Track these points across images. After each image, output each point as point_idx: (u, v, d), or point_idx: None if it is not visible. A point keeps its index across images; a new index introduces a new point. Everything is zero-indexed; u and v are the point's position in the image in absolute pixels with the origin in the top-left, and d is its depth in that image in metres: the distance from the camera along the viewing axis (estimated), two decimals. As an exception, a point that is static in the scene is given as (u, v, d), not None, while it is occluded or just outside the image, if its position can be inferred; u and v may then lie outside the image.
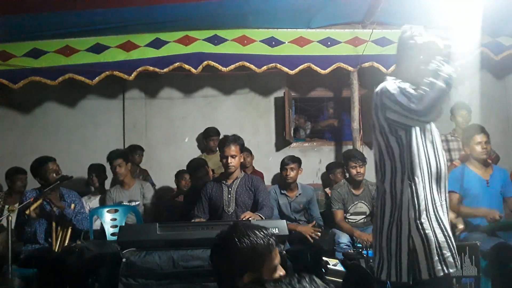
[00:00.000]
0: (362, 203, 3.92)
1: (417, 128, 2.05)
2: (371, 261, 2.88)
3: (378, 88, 2.09)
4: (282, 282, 1.06)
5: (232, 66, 4.33)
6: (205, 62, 4.29)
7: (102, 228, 3.75)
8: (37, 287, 2.95)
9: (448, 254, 2.02)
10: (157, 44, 4.27)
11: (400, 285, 2.05)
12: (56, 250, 3.31)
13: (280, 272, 1.47)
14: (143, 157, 4.91)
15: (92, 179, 4.33)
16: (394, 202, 2.07)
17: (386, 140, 2.08)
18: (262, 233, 1.48)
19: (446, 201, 2.12)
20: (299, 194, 4.00)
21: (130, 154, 4.53)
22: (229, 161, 3.29)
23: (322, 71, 4.44)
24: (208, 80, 5.17)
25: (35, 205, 3.15)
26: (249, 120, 5.27)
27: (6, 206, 2.93)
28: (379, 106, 2.07)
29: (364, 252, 3.22)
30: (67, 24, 4.00)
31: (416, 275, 2.00)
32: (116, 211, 3.82)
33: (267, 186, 4.27)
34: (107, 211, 3.80)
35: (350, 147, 4.73)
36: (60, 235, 3.39)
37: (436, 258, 1.99)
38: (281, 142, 5.24)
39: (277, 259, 1.48)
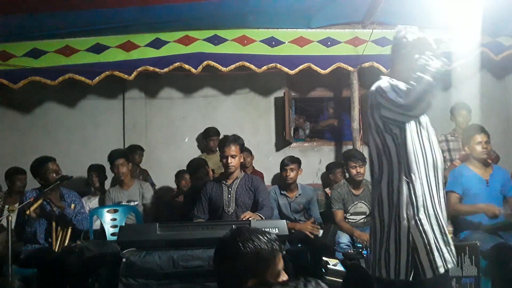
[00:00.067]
0: (362, 203, 3.92)
1: (413, 126, 2.07)
2: (371, 261, 2.88)
3: (373, 87, 2.12)
4: (288, 286, 1.06)
5: (232, 66, 4.33)
6: (205, 62, 4.29)
7: (102, 228, 3.75)
8: (37, 287, 2.95)
9: (445, 250, 2.04)
10: (157, 44, 4.27)
11: (399, 282, 2.06)
12: (56, 250, 3.30)
13: (283, 277, 1.46)
14: (143, 157, 4.91)
15: (92, 179, 4.33)
16: (391, 200, 2.09)
17: (383, 138, 2.10)
18: (266, 237, 1.47)
19: (443, 197, 2.13)
20: (299, 194, 4.00)
21: (130, 154, 4.53)
22: (229, 161, 3.29)
23: (322, 71, 4.45)
24: (208, 80, 5.17)
25: (35, 205, 3.14)
26: (249, 120, 5.27)
27: (6, 206, 2.93)
28: (374, 105, 2.10)
29: (364, 252, 3.23)
30: (67, 24, 4.00)
31: (419, 273, 2.00)
32: (116, 211, 3.82)
33: (267, 186, 4.27)
34: (107, 211, 3.80)
35: (350, 147, 4.73)
36: (60, 235, 3.39)
37: (437, 254, 2.01)
38: (281, 142, 5.24)
39: (280, 264, 1.47)
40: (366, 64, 4.45)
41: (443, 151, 4.32)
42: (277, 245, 1.47)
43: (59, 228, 3.39)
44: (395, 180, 2.07)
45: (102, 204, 4.09)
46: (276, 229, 2.63)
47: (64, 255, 3.09)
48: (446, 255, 2.03)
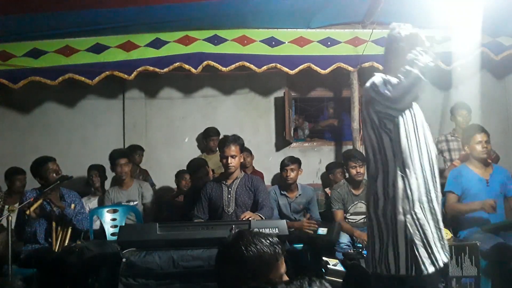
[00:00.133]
0: (362, 203, 3.91)
1: (408, 121, 2.09)
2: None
3: (367, 83, 2.15)
4: (293, 284, 1.07)
5: (232, 66, 4.33)
6: (205, 62, 4.29)
7: (102, 228, 3.75)
8: (37, 287, 2.95)
9: (439, 244, 2.06)
10: (157, 44, 4.27)
11: (399, 278, 2.07)
12: (56, 250, 3.30)
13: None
14: (143, 157, 4.91)
15: (92, 179, 4.33)
16: (386, 196, 2.10)
17: (378, 134, 2.12)
18: (268, 241, 1.47)
19: (439, 193, 2.15)
20: (299, 194, 4.00)
21: (130, 154, 4.53)
22: (229, 161, 3.29)
23: (322, 71, 4.45)
24: (208, 80, 5.17)
25: (35, 205, 3.14)
26: (249, 120, 5.27)
27: (6, 206, 2.93)
28: (369, 100, 2.13)
29: (364, 252, 3.22)
30: (67, 24, 4.00)
31: (420, 268, 2.01)
32: (116, 211, 3.82)
33: (267, 186, 4.27)
34: (107, 211, 3.81)
35: (350, 147, 4.73)
36: (60, 235, 3.38)
37: (434, 247, 2.03)
38: (281, 142, 5.24)
39: (283, 268, 1.47)
40: (366, 64, 4.45)
41: (443, 151, 4.34)
42: (279, 248, 1.47)
43: (59, 228, 3.39)
44: (391, 175, 2.09)
45: (101, 204, 4.09)
46: (276, 229, 2.63)
47: (64, 255, 3.09)
48: (441, 250, 2.06)
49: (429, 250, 2.02)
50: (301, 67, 4.41)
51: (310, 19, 4.28)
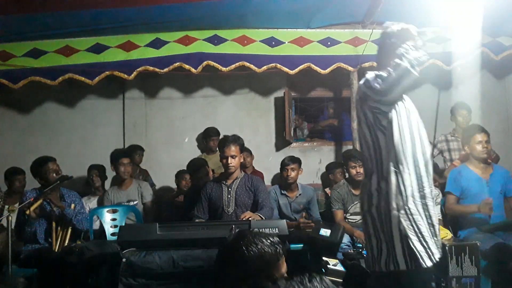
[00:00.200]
0: (362, 203, 3.91)
1: (401, 117, 2.11)
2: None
3: (361, 81, 2.18)
4: (293, 280, 1.07)
5: (232, 66, 4.33)
6: (205, 62, 4.29)
7: (101, 228, 3.75)
8: (37, 287, 2.95)
9: (432, 241, 2.08)
10: (157, 44, 4.27)
11: (398, 274, 2.08)
12: (56, 250, 3.30)
13: None
14: (143, 157, 4.91)
15: (92, 179, 4.33)
16: (380, 192, 2.12)
17: (373, 132, 2.15)
18: (269, 240, 1.47)
19: (433, 189, 2.17)
20: (299, 194, 4.01)
21: (130, 154, 4.52)
22: (229, 161, 3.29)
23: (322, 71, 4.45)
24: (208, 80, 5.17)
25: (35, 205, 3.14)
26: (249, 120, 5.27)
27: (6, 206, 2.93)
28: (362, 97, 2.16)
29: (364, 252, 3.22)
30: (67, 24, 3.99)
31: (419, 261, 2.02)
32: (116, 211, 3.82)
33: (267, 186, 4.27)
34: (107, 211, 3.80)
35: (350, 147, 4.73)
36: (60, 235, 3.38)
37: (430, 241, 2.04)
38: (281, 142, 5.24)
39: (284, 267, 1.47)
40: (366, 64, 4.45)
41: (443, 151, 4.34)
42: (280, 248, 1.47)
43: (59, 228, 3.39)
44: (384, 171, 2.11)
45: (100, 204, 4.08)
46: (276, 229, 2.62)
47: (64, 255, 3.08)
48: (434, 245, 2.07)
49: (425, 245, 2.03)
50: (301, 67, 4.41)
51: (310, 19, 4.28)
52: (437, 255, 2.06)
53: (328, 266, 3.06)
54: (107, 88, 4.97)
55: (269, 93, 5.31)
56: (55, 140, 5.00)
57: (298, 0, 3.93)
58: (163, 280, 2.54)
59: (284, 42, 4.40)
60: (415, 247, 2.02)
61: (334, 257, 3.32)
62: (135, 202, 3.97)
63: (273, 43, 4.38)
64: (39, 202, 3.18)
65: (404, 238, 2.04)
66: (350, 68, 4.50)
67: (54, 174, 3.35)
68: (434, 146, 4.38)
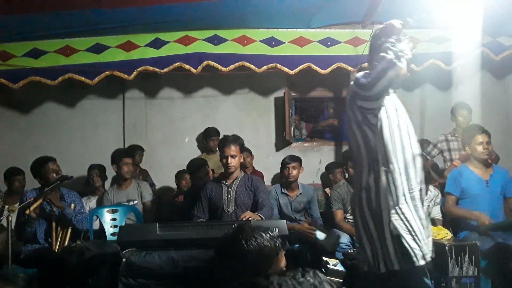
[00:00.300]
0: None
1: (391, 118, 2.12)
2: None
3: (351, 82, 2.20)
4: (286, 276, 1.07)
5: (232, 66, 4.33)
6: (205, 62, 4.29)
7: (101, 228, 3.75)
8: (37, 287, 2.95)
9: (425, 241, 2.09)
10: (157, 44, 4.27)
11: (391, 273, 2.08)
12: (56, 250, 3.30)
13: None
14: (143, 157, 4.91)
15: (93, 179, 4.32)
16: (370, 192, 2.11)
17: (362, 131, 2.15)
18: (268, 235, 1.47)
19: (421, 190, 2.17)
20: (300, 193, 4.01)
21: (130, 154, 4.52)
22: (229, 161, 3.29)
23: (322, 71, 4.45)
24: (208, 80, 5.17)
25: (35, 205, 3.14)
26: (249, 120, 5.27)
27: (6, 206, 2.93)
28: (352, 96, 2.17)
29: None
30: (67, 24, 4.00)
31: (412, 260, 2.02)
32: (116, 211, 3.82)
33: (267, 186, 4.27)
34: (107, 211, 3.80)
35: (350, 147, 4.73)
36: (60, 235, 3.38)
37: (423, 242, 2.04)
38: (281, 142, 5.24)
39: (283, 262, 1.47)
40: (366, 64, 4.43)
41: (443, 151, 4.34)
42: (279, 242, 1.47)
43: (59, 228, 3.39)
44: (375, 171, 2.11)
45: (99, 204, 4.08)
46: (276, 229, 2.62)
47: (64, 255, 3.08)
48: (425, 247, 2.07)
49: (418, 243, 2.03)
50: (301, 67, 4.41)
51: (310, 19, 4.28)
52: (428, 256, 2.06)
53: (328, 266, 3.06)
54: (107, 88, 4.97)
55: (269, 93, 5.31)
56: (55, 140, 5.00)
57: (298, 0, 3.93)
58: (163, 280, 2.54)
59: (284, 42, 4.40)
60: (409, 245, 2.02)
61: (334, 257, 3.33)
62: (135, 202, 3.97)
63: (273, 43, 4.38)
64: (39, 202, 3.18)
65: (396, 238, 2.04)
66: (350, 68, 4.50)
67: (54, 174, 3.35)
68: (434, 146, 4.38)
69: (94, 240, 3.60)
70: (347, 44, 4.46)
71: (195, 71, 4.30)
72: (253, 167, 4.76)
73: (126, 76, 4.27)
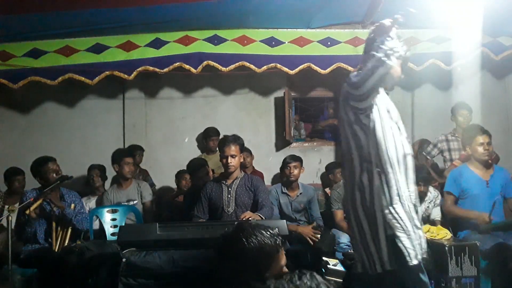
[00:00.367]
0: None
1: (383, 118, 2.12)
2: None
3: (345, 83, 2.19)
4: (283, 279, 1.07)
5: (232, 66, 4.33)
6: (205, 62, 4.29)
7: (101, 228, 3.75)
8: (37, 287, 2.95)
9: (420, 240, 2.10)
10: (157, 44, 4.27)
11: (386, 273, 2.08)
12: (56, 250, 3.30)
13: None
14: (143, 157, 4.91)
15: (93, 179, 4.32)
16: (363, 193, 2.11)
17: (353, 131, 2.15)
18: (269, 232, 1.47)
19: (412, 193, 2.17)
20: (300, 193, 4.00)
21: (131, 154, 4.52)
22: (229, 161, 3.29)
23: (322, 71, 4.44)
24: (208, 80, 5.17)
25: (35, 205, 3.14)
26: (249, 120, 5.26)
27: (6, 206, 2.93)
28: (345, 97, 2.17)
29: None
30: (67, 24, 3.99)
31: (405, 259, 2.03)
32: (116, 211, 3.82)
33: (267, 186, 4.27)
34: (107, 211, 3.80)
35: (350, 147, 4.72)
36: (60, 235, 3.38)
37: (417, 241, 2.05)
38: (281, 142, 5.24)
39: (283, 260, 1.47)
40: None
41: (443, 151, 4.34)
42: (280, 240, 1.47)
43: (59, 228, 3.39)
44: (368, 171, 2.11)
45: (99, 204, 4.08)
46: (276, 229, 2.62)
47: (64, 255, 3.09)
48: (418, 247, 2.08)
49: (412, 242, 2.04)
50: (301, 67, 4.41)
51: (310, 19, 4.28)
52: (420, 256, 2.07)
53: (328, 266, 3.06)
54: (107, 88, 4.97)
55: (269, 93, 5.31)
56: (55, 140, 4.99)
57: (298, 0, 3.92)
58: (163, 280, 2.54)
59: (284, 42, 4.40)
60: (403, 244, 2.03)
61: (334, 257, 3.33)
62: (135, 202, 3.97)
63: (273, 43, 4.38)
64: (39, 202, 3.18)
65: (390, 238, 2.04)
66: (350, 68, 4.49)
67: (54, 174, 3.35)
68: (434, 145, 4.38)
69: (94, 240, 3.60)
70: (347, 44, 4.46)
71: (195, 71, 4.29)
72: (253, 167, 4.76)
73: (126, 76, 4.26)
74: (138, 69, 4.24)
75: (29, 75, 4.19)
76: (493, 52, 4.53)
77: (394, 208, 2.05)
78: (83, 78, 4.24)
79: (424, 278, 2.12)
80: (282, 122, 5.10)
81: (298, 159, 4.02)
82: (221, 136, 4.21)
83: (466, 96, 4.45)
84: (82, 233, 3.53)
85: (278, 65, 4.38)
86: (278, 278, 1.08)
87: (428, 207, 3.77)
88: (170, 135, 5.23)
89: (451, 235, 3.20)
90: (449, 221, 3.60)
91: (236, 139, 3.33)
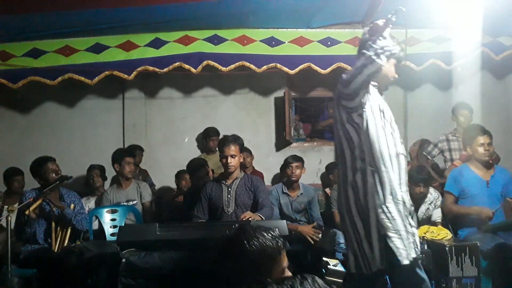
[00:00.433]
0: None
1: (376, 117, 2.13)
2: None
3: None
4: (284, 284, 1.06)
5: (232, 66, 4.33)
6: (205, 62, 4.29)
7: (101, 228, 3.75)
8: (37, 287, 2.95)
9: (414, 238, 2.10)
10: (157, 44, 4.27)
11: (380, 272, 2.08)
12: (56, 250, 3.30)
13: (288, 275, 1.45)
14: (143, 157, 4.91)
15: (93, 179, 4.32)
16: (356, 192, 2.11)
17: (346, 130, 2.16)
18: (270, 234, 1.46)
19: (405, 193, 2.17)
20: (301, 193, 4.00)
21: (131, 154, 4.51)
22: (228, 161, 3.29)
23: (322, 71, 4.44)
24: (208, 80, 5.17)
25: (34, 205, 3.14)
26: (249, 120, 5.26)
27: (6, 206, 2.93)
28: (338, 96, 2.18)
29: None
30: (67, 24, 3.99)
31: (397, 259, 2.02)
32: (115, 211, 3.82)
33: (268, 186, 4.27)
34: (107, 211, 3.80)
35: (350, 147, 4.72)
36: (59, 235, 3.38)
37: (407, 242, 2.04)
38: (281, 142, 5.23)
39: (285, 262, 1.46)
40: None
41: (443, 151, 4.34)
42: (282, 242, 1.47)
43: (58, 229, 3.39)
44: (362, 170, 2.11)
45: (98, 204, 4.08)
46: (276, 229, 2.61)
47: (64, 255, 3.09)
48: (410, 246, 2.07)
49: (403, 242, 2.04)
50: (301, 67, 4.41)
51: (310, 19, 4.28)
52: (412, 255, 2.06)
53: (328, 266, 3.06)
54: (107, 88, 4.97)
55: (269, 93, 5.31)
56: (55, 140, 4.99)
57: (298, 0, 3.92)
58: (163, 280, 2.54)
59: (284, 42, 4.40)
60: (394, 244, 2.03)
61: (334, 257, 3.32)
62: (134, 202, 3.96)
63: (273, 43, 4.38)
64: (38, 202, 3.18)
65: (382, 237, 2.04)
66: (350, 68, 4.45)
67: (54, 174, 3.34)
68: (435, 145, 4.38)
69: (93, 240, 3.60)
70: (347, 44, 4.45)
71: (195, 71, 4.29)
72: (253, 167, 4.76)
73: (126, 76, 4.26)
74: (138, 69, 4.24)
75: (29, 75, 4.19)
76: (493, 52, 4.53)
77: (387, 207, 2.05)
78: (83, 78, 4.24)
79: (422, 273, 2.12)
80: (282, 122, 5.10)
81: (300, 160, 4.01)
82: (221, 136, 4.21)
83: (466, 96, 4.45)
84: (82, 233, 3.53)
85: (278, 65, 4.38)
86: (279, 282, 1.07)
87: (428, 208, 3.76)
88: (170, 135, 5.23)
89: (452, 235, 3.19)
90: (449, 220, 3.60)
91: (236, 139, 3.33)
